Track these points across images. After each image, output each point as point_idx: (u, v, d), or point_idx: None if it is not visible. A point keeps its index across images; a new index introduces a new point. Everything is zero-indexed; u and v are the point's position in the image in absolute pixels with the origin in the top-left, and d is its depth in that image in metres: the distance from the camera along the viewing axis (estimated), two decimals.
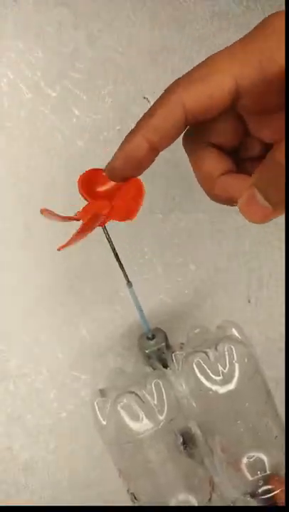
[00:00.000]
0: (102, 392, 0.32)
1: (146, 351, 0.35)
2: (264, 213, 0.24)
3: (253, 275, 0.42)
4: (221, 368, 0.32)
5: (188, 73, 0.23)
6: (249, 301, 0.43)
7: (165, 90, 0.24)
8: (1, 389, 0.37)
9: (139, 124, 0.24)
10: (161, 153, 0.34)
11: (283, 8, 0.40)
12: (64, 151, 0.36)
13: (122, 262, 0.31)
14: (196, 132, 0.25)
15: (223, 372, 0.32)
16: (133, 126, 0.36)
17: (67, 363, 0.38)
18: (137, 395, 0.30)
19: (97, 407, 0.32)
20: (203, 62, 0.23)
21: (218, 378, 0.32)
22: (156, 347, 0.35)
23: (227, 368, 0.32)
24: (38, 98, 0.36)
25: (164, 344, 0.35)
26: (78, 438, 0.39)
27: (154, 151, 0.24)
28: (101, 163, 0.37)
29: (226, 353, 0.32)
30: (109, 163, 0.26)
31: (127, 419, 0.30)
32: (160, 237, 0.40)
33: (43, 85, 0.36)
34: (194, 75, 0.23)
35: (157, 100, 0.24)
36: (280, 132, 0.24)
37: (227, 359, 0.32)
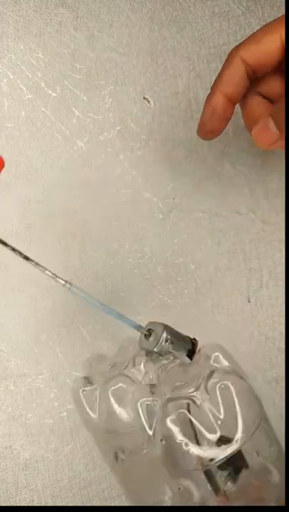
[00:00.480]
0: (87, 380, 0.30)
1: (150, 350, 0.29)
2: (272, 138, 0.28)
3: (252, 275, 0.42)
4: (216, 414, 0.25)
5: (247, 38, 0.30)
6: (249, 301, 0.43)
7: (229, 54, 0.30)
8: (1, 388, 0.37)
9: (214, 83, 0.31)
10: (161, 153, 0.34)
11: (283, 8, 0.40)
12: (64, 151, 0.37)
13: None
14: (252, 84, 0.31)
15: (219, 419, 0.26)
16: (133, 126, 0.37)
17: (68, 363, 0.38)
18: (128, 377, 0.28)
19: (83, 397, 0.29)
20: (259, 29, 0.29)
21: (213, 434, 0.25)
22: (157, 341, 0.29)
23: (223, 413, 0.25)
24: (38, 98, 0.36)
25: (164, 336, 0.30)
26: (78, 438, 0.39)
27: (230, 101, 0.31)
28: (101, 163, 0.38)
29: (218, 392, 0.26)
30: (199, 122, 0.32)
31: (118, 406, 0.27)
32: (160, 237, 0.40)
33: (43, 86, 0.36)
34: (251, 38, 0.29)
35: (224, 62, 0.30)
36: None
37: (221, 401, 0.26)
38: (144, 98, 0.38)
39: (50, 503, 0.40)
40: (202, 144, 0.40)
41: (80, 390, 0.29)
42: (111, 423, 0.28)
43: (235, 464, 0.26)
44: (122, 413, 0.27)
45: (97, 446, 0.31)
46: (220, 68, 0.38)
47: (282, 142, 0.29)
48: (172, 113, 0.39)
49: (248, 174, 0.41)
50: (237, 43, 0.40)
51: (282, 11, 0.40)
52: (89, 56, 0.37)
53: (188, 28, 0.39)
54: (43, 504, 0.40)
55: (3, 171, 0.26)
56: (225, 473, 0.26)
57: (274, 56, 0.29)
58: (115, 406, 0.27)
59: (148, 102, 0.38)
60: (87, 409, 0.29)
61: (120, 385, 0.27)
